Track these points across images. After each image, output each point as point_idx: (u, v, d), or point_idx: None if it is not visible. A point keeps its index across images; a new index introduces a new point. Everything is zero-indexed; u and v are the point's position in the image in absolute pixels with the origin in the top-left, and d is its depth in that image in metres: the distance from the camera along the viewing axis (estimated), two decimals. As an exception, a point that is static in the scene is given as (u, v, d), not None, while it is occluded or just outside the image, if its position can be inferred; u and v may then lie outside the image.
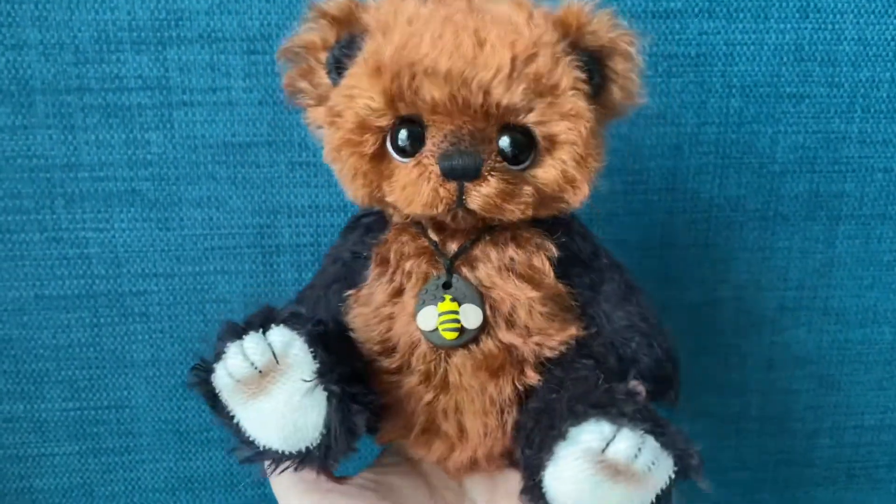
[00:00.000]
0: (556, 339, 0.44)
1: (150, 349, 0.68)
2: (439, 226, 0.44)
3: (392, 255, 0.44)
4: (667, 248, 0.71)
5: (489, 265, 0.43)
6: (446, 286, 0.43)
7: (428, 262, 0.44)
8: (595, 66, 0.43)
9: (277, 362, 0.38)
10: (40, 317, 0.66)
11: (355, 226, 0.49)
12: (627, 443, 0.35)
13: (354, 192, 0.43)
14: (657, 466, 0.35)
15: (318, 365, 0.39)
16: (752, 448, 0.78)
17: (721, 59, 0.66)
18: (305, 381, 0.38)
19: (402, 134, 0.41)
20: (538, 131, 0.41)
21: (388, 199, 0.42)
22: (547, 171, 0.42)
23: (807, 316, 0.74)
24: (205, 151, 0.64)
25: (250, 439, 0.40)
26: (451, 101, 0.39)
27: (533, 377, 0.43)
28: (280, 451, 0.40)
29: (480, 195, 0.40)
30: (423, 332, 0.42)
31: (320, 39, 0.43)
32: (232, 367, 0.38)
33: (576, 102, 0.41)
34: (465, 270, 0.43)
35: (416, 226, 0.45)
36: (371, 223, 0.48)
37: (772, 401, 0.77)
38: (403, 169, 0.41)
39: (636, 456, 0.35)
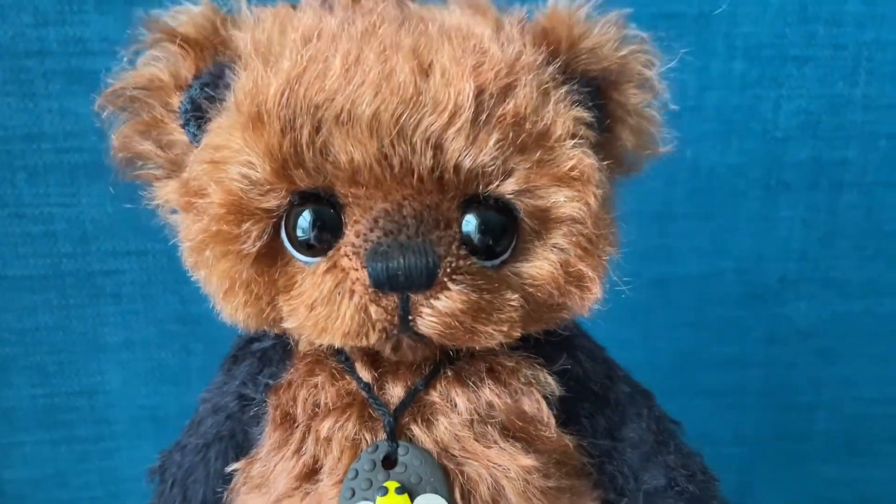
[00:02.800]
0: None
1: (123, 331, 0.65)
2: (372, 358, 0.31)
3: (300, 409, 0.31)
4: (665, 219, 0.68)
5: (455, 418, 0.30)
6: (388, 463, 0.30)
7: (357, 419, 0.30)
8: (598, 99, 0.31)
9: None
10: (4, 299, 0.63)
11: (243, 354, 0.35)
12: None
13: (232, 313, 0.30)
14: None
15: None
16: (751, 423, 0.77)
17: (723, 19, 0.63)
18: None
19: (305, 219, 0.28)
20: (522, 205, 0.28)
21: (288, 324, 0.29)
22: (539, 266, 0.29)
23: (808, 288, 0.72)
24: (177, 119, 0.60)
25: None
26: (381, 163, 0.26)
27: None
28: None
29: (437, 314, 0.27)
30: None
31: (170, 75, 0.30)
32: None
33: (578, 157, 0.28)
34: (416, 430, 0.30)
35: (337, 356, 0.32)
36: (266, 350, 0.34)
37: (772, 374, 0.75)
38: (310, 276, 0.28)
39: None
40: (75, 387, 0.66)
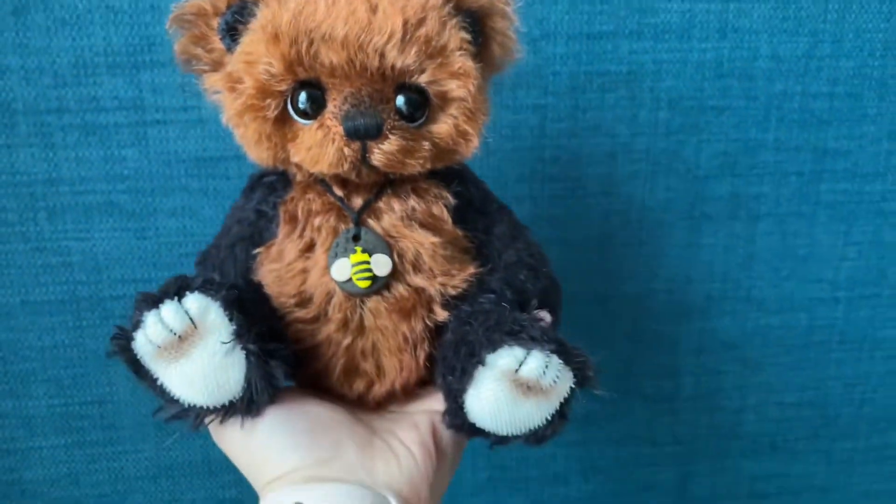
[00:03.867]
0: (458, 278, 0.45)
1: (131, 348, 0.70)
2: (343, 182, 0.45)
3: (300, 213, 0.45)
4: (604, 246, 0.75)
5: (393, 216, 0.45)
6: (355, 238, 0.44)
7: (336, 216, 0.44)
8: (476, 25, 0.44)
9: (195, 327, 0.39)
10: (26, 321, 0.69)
11: (256, 185, 0.49)
12: (536, 362, 0.39)
13: (259, 155, 0.43)
14: (561, 380, 0.40)
15: (234, 327, 0.39)
16: (685, 424, 0.82)
17: (649, 75, 0.69)
18: (224, 342, 0.39)
19: (302, 97, 0.41)
20: (431, 90, 0.42)
21: (294, 159, 0.43)
22: (441, 127, 0.43)
23: (731, 305, 0.78)
24: (178, 166, 0.66)
25: (175, 398, 0.41)
26: (349, 64, 0.40)
27: (441, 314, 0.45)
28: (205, 407, 0.41)
29: (383, 153, 0.41)
30: (337, 282, 0.43)
31: (211, 6, 0.42)
32: (151, 334, 0.38)
33: (464, 62, 0.42)
34: (371, 222, 0.44)
35: (321, 183, 0.45)
36: (273, 182, 0.48)
37: (702, 381, 0.81)
38: (307, 131, 0.42)
39: (544, 373, 0.39)
40: (87, 397, 0.71)
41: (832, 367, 0.82)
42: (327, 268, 0.43)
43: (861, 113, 0.73)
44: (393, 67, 0.40)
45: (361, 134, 0.40)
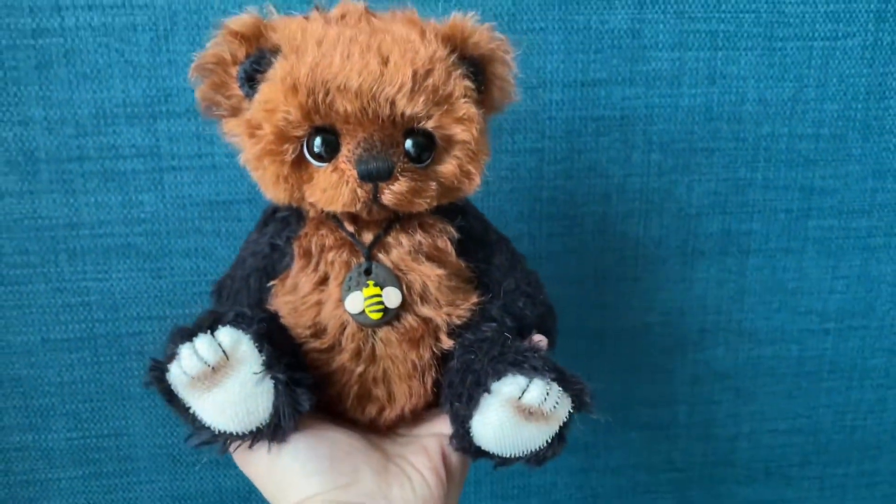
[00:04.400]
0: (463, 308, 0.48)
1: (146, 383, 0.73)
2: (354, 218, 0.47)
3: (314, 248, 0.47)
4: (601, 282, 0.77)
5: (402, 250, 0.46)
6: (367, 272, 0.46)
7: (348, 251, 0.46)
8: (478, 72, 0.46)
9: (227, 358, 0.41)
10: (46, 357, 0.71)
11: (270, 220, 0.51)
12: (538, 390, 0.42)
13: (276, 195, 0.45)
14: (560, 405, 0.43)
15: (264, 357, 0.42)
16: (681, 452, 0.84)
17: (642, 120, 0.72)
18: (255, 373, 0.41)
19: (318, 141, 0.43)
20: (437, 134, 0.44)
21: (309, 199, 0.45)
22: (447, 167, 0.45)
23: (724, 336, 0.80)
24: (192, 209, 0.69)
25: (206, 426, 0.42)
26: (362, 112, 0.42)
27: (447, 342, 0.47)
28: (234, 433, 0.43)
29: (393, 193, 0.43)
30: (351, 314, 0.45)
31: (230, 55, 0.44)
32: (186, 366, 0.40)
33: (468, 108, 0.44)
34: (381, 256, 0.46)
35: (333, 219, 0.47)
36: (286, 217, 0.50)
37: (697, 410, 0.83)
38: (322, 173, 0.44)
39: (545, 399, 0.42)
40: (104, 430, 0.74)
41: (823, 395, 0.84)
42: (341, 300, 0.45)
43: (846, 153, 0.75)
44: (402, 115, 0.43)
45: (374, 176, 0.42)
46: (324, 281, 0.46)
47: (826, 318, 0.81)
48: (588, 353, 0.79)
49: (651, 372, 0.81)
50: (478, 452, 0.45)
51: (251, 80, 0.44)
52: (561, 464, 0.82)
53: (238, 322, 0.42)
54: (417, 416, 0.50)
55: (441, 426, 0.49)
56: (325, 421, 0.48)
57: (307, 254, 0.47)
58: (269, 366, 0.42)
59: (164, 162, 0.67)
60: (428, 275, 0.46)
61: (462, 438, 0.45)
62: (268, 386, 0.42)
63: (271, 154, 0.43)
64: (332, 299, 0.46)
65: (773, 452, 0.86)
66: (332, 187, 0.43)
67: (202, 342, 0.41)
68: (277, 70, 0.43)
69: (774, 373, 0.82)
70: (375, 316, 0.45)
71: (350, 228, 0.47)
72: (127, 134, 0.66)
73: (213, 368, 0.41)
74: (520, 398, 0.42)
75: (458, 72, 0.44)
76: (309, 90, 0.42)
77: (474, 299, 0.49)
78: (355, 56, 0.42)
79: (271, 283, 0.48)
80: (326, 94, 0.42)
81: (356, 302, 0.45)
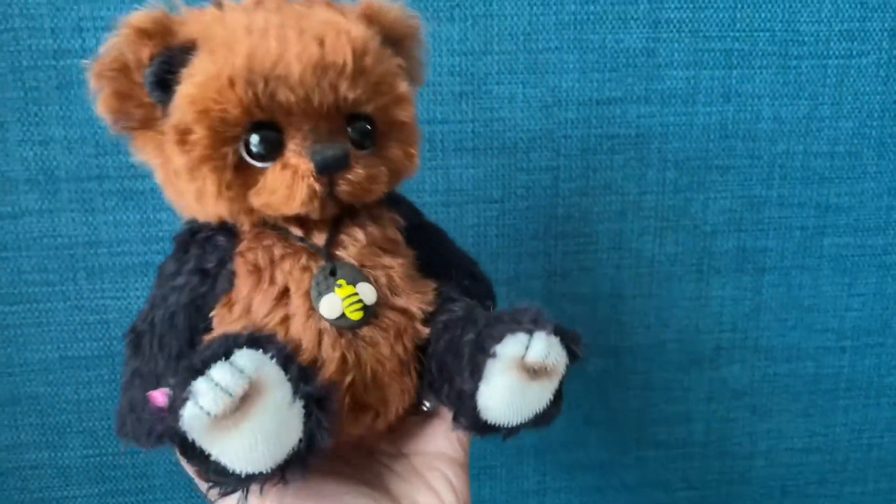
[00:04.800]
0: (429, 294, 0.45)
1: (163, 401, 0.72)
2: (300, 222, 0.43)
3: (261, 261, 0.41)
4: (616, 299, 0.76)
5: (359, 245, 0.43)
6: (332, 273, 0.41)
7: (305, 257, 0.42)
8: (398, 51, 0.44)
9: (253, 386, 0.34)
10: (64, 375, 0.71)
11: (190, 244, 0.44)
12: (541, 344, 0.39)
13: (215, 209, 0.40)
14: (560, 359, 0.40)
15: (289, 376, 0.36)
16: (697, 470, 0.84)
17: (657, 138, 0.72)
18: (286, 394, 0.35)
19: (256, 139, 0.39)
20: (378, 118, 0.42)
21: (257, 205, 0.40)
22: (393, 151, 0.43)
23: (740, 354, 0.80)
24: (210, 227, 0.69)
25: (230, 472, 0.35)
26: (306, 101, 0.39)
27: (424, 331, 0.44)
28: (263, 472, 0.36)
29: (351, 183, 0.40)
30: (329, 321, 0.40)
31: (134, 59, 0.39)
32: (206, 403, 0.33)
33: (405, 87, 0.42)
34: (341, 254, 0.42)
35: (273, 228, 0.42)
36: (210, 237, 0.43)
37: (713, 428, 0.82)
38: (270, 174, 0.40)
39: (548, 354, 0.39)
40: (120, 448, 0.73)
41: (840, 413, 0.83)
42: (312, 309, 0.40)
43: (861, 171, 0.75)
44: (345, 100, 0.40)
45: (332, 167, 0.39)
46: (283, 294, 0.41)
47: (842, 336, 0.81)
48: (603, 371, 0.78)
49: (666, 389, 0.80)
50: (485, 428, 0.42)
51: (162, 84, 0.39)
52: (576, 482, 0.81)
53: (254, 343, 0.36)
54: (402, 426, 0.48)
55: (429, 443, 0.47)
56: (317, 471, 0.41)
57: (256, 269, 0.41)
58: (296, 384, 0.36)
59: (183, 181, 0.67)
60: (391, 266, 0.44)
61: (469, 416, 0.41)
62: (298, 406, 0.36)
63: (209, 160, 0.39)
64: (301, 311, 0.40)
65: (789, 471, 0.85)
66: (286, 186, 0.39)
67: (221, 371, 0.34)
68: (201, 66, 0.38)
69: (790, 390, 0.82)
70: (356, 316, 0.41)
71: (298, 233, 0.43)
72: (146, 153, 0.66)
73: (239, 400, 0.34)
74: (523, 357, 0.39)
75: (388, 51, 0.43)
76: (247, 82, 0.38)
77: (433, 284, 0.46)
78: (292, 41, 0.39)
79: (211, 313, 0.41)
80: (266, 84, 0.38)
81: (333, 306, 0.40)
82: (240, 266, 0.41)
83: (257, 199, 0.40)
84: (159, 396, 0.35)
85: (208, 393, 0.33)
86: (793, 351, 0.80)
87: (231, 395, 0.34)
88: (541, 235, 0.74)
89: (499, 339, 0.40)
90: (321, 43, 0.39)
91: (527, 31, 0.68)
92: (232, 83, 0.37)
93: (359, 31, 0.40)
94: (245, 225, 0.42)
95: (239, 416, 0.34)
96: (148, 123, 0.41)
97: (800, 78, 0.72)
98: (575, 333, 0.41)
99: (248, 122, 0.39)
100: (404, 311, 0.43)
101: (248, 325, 0.40)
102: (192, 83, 0.38)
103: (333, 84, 0.39)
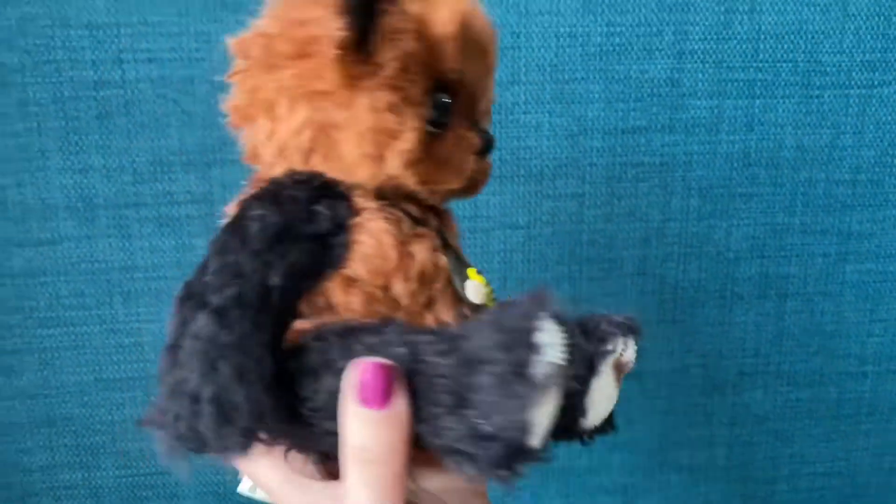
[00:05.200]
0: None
1: (194, 423, 0.73)
2: (416, 203, 0.37)
3: (401, 237, 0.34)
4: (642, 324, 0.76)
5: (453, 238, 0.39)
6: (458, 261, 0.37)
7: (436, 240, 0.36)
8: None
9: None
10: (98, 396, 0.72)
11: (284, 206, 0.32)
12: (633, 347, 0.37)
13: (389, 164, 0.33)
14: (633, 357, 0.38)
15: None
16: (720, 494, 0.83)
17: (681, 166, 0.72)
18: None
19: (444, 99, 0.34)
20: (483, 122, 0.39)
21: (409, 175, 0.34)
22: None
23: (762, 379, 0.80)
24: (243, 253, 0.70)
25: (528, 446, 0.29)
26: (480, 79, 0.36)
27: None
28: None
29: (485, 171, 0.38)
30: (471, 306, 0.36)
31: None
32: (554, 362, 0.28)
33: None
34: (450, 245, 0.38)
35: (391, 205, 0.35)
36: (317, 198, 0.33)
37: (735, 453, 0.82)
38: (443, 141, 0.35)
39: (634, 355, 0.37)
40: (152, 468, 0.74)
41: (861, 438, 0.83)
42: (456, 293, 0.36)
43: (883, 198, 0.75)
44: (490, 90, 0.38)
45: (489, 149, 0.37)
46: (422, 276, 0.35)
47: (864, 362, 0.80)
48: (627, 395, 0.77)
49: (689, 414, 0.80)
50: (582, 431, 0.38)
51: (362, 12, 0.32)
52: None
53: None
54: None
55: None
56: None
57: (396, 245, 0.34)
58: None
59: (217, 208, 0.68)
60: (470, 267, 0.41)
61: (578, 416, 0.36)
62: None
63: (419, 106, 0.33)
64: (446, 295, 0.36)
65: (811, 495, 0.84)
66: (458, 158, 0.36)
67: (557, 328, 0.28)
68: (423, 6, 0.33)
69: (813, 415, 0.81)
70: (491, 304, 0.36)
71: (417, 213, 0.36)
72: (182, 181, 0.68)
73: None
74: (621, 355, 0.37)
75: None
76: (463, 38, 0.34)
77: None
78: (480, 14, 0.36)
79: (309, 290, 0.33)
80: (468, 47, 0.34)
81: (478, 292, 0.36)
82: (365, 238, 0.33)
83: (424, 165, 0.34)
84: (379, 370, 0.30)
85: (555, 349, 0.28)
86: (815, 376, 0.80)
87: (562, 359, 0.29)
88: (566, 261, 0.74)
89: (611, 338, 0.37)
90: (491, 36, 0.37)
91: (553, 63, 0.69)
92: (454, 35, 0.33)
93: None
94: (367, 195, 0.34)
95: (553, 384, 0.29)
96: (350, 47, 0.32)
97: (822, 107, 0.72)
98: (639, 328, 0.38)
99: (440, 82, 0.34)
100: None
101: (381, 308, 0.34)
102: (411, 19, 0.33)
103: (490, 77, 0.37)
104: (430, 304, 0.35)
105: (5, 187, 0.66)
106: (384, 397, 0.30)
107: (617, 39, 0.69)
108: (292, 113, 0.34)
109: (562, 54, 0.69)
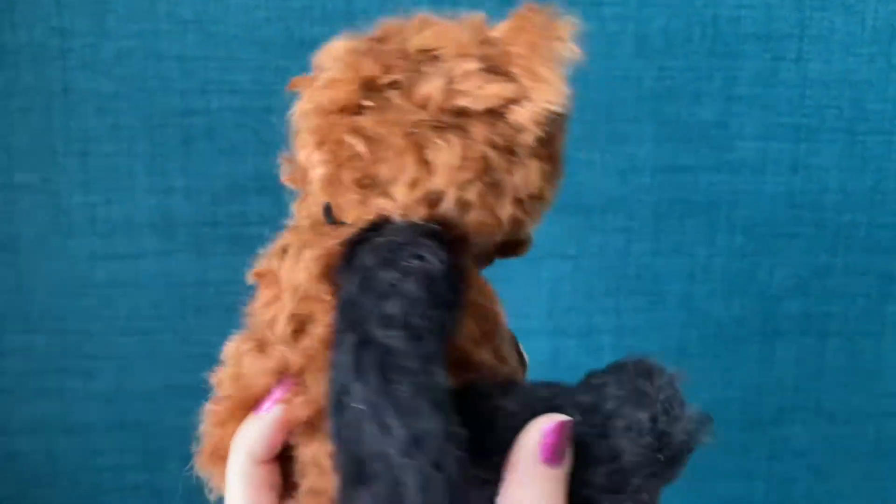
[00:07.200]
0: None
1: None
2: None
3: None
4: (682, 357, 0.76)
5: None
6: None
7: None
8: None
9: None
10: (167, 403, 0.74)
11: (437, 237, 0.28)
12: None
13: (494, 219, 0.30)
14: None
15: None
16: None
17: (727, 205, 0.73)
18: None
19: None
20: None
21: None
22: None
23: (802, 415, 0.79)
24: (307, 273, 0.72)
25: None
26: None
27: None
28: None
29: None
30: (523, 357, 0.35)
31: None
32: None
33: None
34: None
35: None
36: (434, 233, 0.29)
37: (773, 488, 0.80)
38: None
39: None
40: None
41: (900, 478, 0.81)
42: (514, 338, 0.35)
43: (925, 242, 0.75)
44: None
45: None
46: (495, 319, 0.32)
47: (904, 402, 0.79)
48: (668, 425, 0.78)
49: (728, 446, 0.79)
50: None
51: None
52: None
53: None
54: None
55: None
56: None
57: (489, 292, 0.32)
58: None
59: (286, 230, 0.71)
60: None
61: None
62: None
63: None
64: (508, 339, 0.34)
65: (849, 533, 0.83)
66: None
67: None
68: None
69: (852, 453, 0.80)
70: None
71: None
72: (255, 204, 0.70)
73: None
74: None
75: None
76: None
77: None
78: None
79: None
80: None
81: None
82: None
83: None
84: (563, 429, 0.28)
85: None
86: (855, 414, 0.79)
87: None
88: (612, 292, 0.75)
89: None
90: None
91: (608, 103, 0.70)
92: None
93: None
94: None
95: None
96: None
97: (866, 152, 0.72)
98: None
99: None
100: None
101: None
102: None
103: None
104: (500, 348, 0.32)
105: (95, 205, 0.69)
106: (563, 455, 0.29)
107: (668, 82, 0.70)
108: None
109: (615, 96, 0.70)
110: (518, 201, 0.31)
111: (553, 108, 0.29)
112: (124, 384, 0.73)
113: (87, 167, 0.68)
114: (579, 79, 0.75)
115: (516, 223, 0.31)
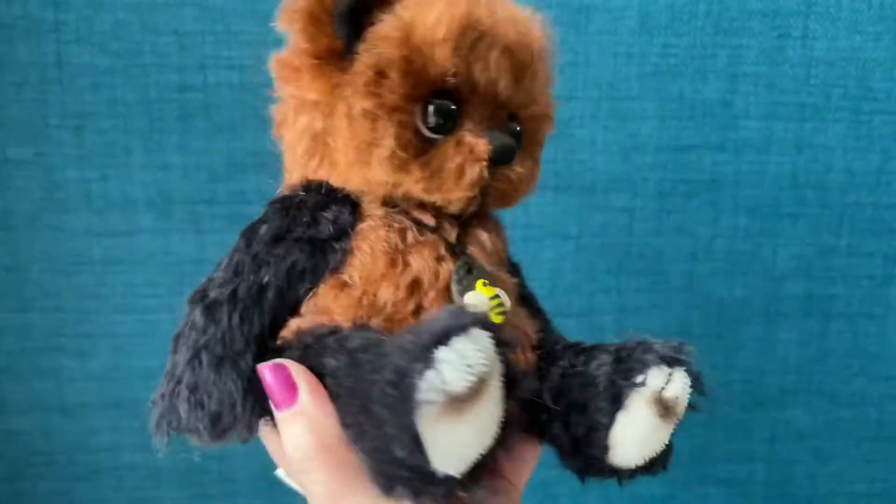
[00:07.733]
0: (537, 321, 0.39)
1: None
2: (433, 211, 0.35)
3: (396, 244, 0.34)
4: (684, 338, 0.73)
5: (481, 251, 0.36)
6: (469, 272, 0.34)
7: (443, 248, 0.34)
8: None
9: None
10: (164, 382, 0.73)
11: (291, 212, 0.34)
12: (682, 380, 0.34)
13: (376, 170, 0.33)
14: (686, 400, 0.35)
15: (509, 370, 0.28)
16: None
17: (730, 184, 0.71)
18: (500, 388, 0.28)
19: (439, 105, 0.33)
20: (526, 126, 0.37)
21: (415, 178, 0.33)
22: (526, 164, 0.37)
23: (804, 397, 0.78)
24: (306, 251, 0.71)
25: (433, 472, 0.27)
26: (494, 85, 0.33)
27: (532, 357, 0.37)
28: (462, 475, 0.27)
29: (508, 181, 0.35)
30: None
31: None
32: (451, 381, 0.25)
33: (551, 100, 0.38)
34: (471, 251, 0.36)
35: (400, 212, 0.35)
36: (323, 206, 0.34)
37: (774, 469, 0.80)
38: (442, 147, 0.33)
39: (683, 392, 0.34)
40: (209, 453, 0.73)
41: (901, 461, 0.80)
42: (451, 304, 0.34)
43: (930, 223, 0.73)
44: (517, 96, 0.35)
45: (505, 157, 0.34)
46: (415, 284, 0.33)
47: (906, 385, 0.78)
48: (669, 407, 0.77)
49: (730, 428, 0.78)
50: (606, 468, 0.35)
51: (352, 20, 0.33)
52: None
53: (486, 326, 0.27)
54: None
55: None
56: None
57: (388, 251, 0.33)
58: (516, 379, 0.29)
59: (285, 207, 0.69)
60: (506, 281, 0.37)
61: (596, 449, 0.35)
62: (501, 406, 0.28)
63: (399, 111, 0.32)
64: (437, 304, 0.33)
65: (849, 516, 0.82)
66: (457, 165, 0.33)
67: (474, 345, 0.26)
68: (414, 12, 0.33)
69: (853, 436, 0.79)
70: (499, 319, 0.33)
71: (431, 222, 0.35)
72: (253, 181, 0.68)
73: (474, 385, 0.26)
74: (662, 390, 0.34)
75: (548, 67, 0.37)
76: (457, 45, 0.32)
77: (527, 314, 0.39)
78: (500, 21, 0.33)
79: (307, 292, 0.34)
80: (470, 53, 0.33)
81: (479, 303, 0.33)
82: (363, 245, 0.34)
83: (420, 172, 0.33)
84: (276, 371, 0.32)
85: (456, 369, 0.25)
86: (856, 397, 0.78)
87: (473, 375, 0.26)
88: (614, 272, 0.74)
89: (643, 369, 0.34)
90: (518, 33, 0.34)
91: (611, 81, 0.68)
92: (444, 39, 0.32)
93: (539, 35, 0.36)
94: (375, 202, 0.35)
95: (469, 402, 0.26)
96: (331, 58, 0.33)
97: (871, 132, 0.71)
98: (702, 379, 0.36)
99: (436, 87, 0.33)
100: (525, 331, 0.37)
101: (367, 312, 0.33)
102: (398, 26, 0.32)
103: (518, 77, 0.34)
104: (417, 313, 0.33)
105: (90, 181, 0.68)
106: (288, 397, 0.31)
107: (672, 60, 0.69)
108: (295, 123, 0.36)
109: (618, 73, 0.69)
110: None
111: None
112: (120, 363, 0.72)
113: (82, 143, 0.67)
114: (581, 55, 0.74)
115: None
